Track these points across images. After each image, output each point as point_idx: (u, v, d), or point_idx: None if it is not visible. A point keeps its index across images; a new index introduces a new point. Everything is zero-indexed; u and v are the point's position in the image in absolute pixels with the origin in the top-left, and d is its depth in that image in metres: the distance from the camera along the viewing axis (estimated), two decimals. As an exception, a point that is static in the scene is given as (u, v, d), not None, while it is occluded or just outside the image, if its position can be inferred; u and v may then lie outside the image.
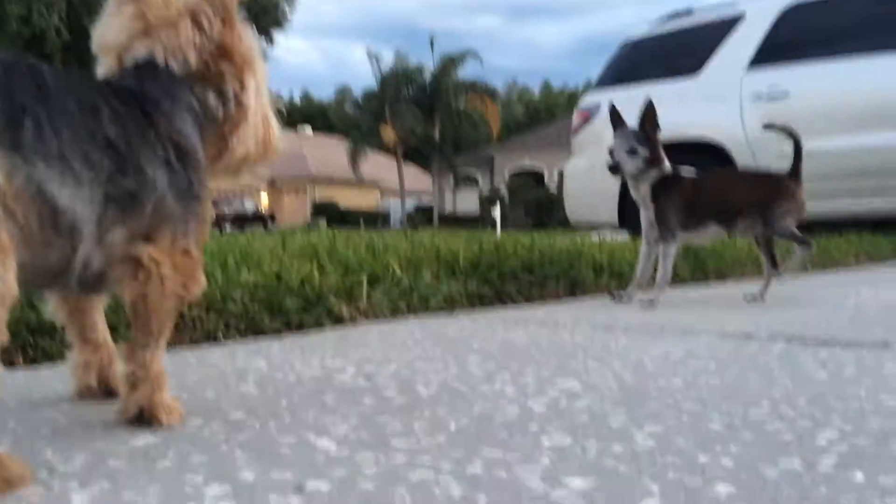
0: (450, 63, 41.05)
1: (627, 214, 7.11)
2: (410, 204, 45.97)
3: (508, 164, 46.22)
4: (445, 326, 2.61)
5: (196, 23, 1.37)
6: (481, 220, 31.91)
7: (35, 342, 1.93)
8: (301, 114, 70.68)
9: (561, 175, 9.47)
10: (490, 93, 42.48)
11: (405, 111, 40.10)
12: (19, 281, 1.06)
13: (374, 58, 41.40)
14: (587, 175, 7.55)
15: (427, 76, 41.92)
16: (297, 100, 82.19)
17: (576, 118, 7.98)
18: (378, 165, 50.21)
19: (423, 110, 41.07)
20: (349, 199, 47.69)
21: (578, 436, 1.27)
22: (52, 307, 1.49)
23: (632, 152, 3.29)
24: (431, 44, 43.18)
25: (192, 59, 1.37)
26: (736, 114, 6.68)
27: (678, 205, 3.31)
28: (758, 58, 6.78)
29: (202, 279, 1.37)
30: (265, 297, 2.47)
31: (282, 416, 1.42)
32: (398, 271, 3.05)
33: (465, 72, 42.11)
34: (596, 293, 3.74)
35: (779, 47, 6.74)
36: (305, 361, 1.95)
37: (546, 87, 78.50)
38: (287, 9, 34.08)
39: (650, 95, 3.42)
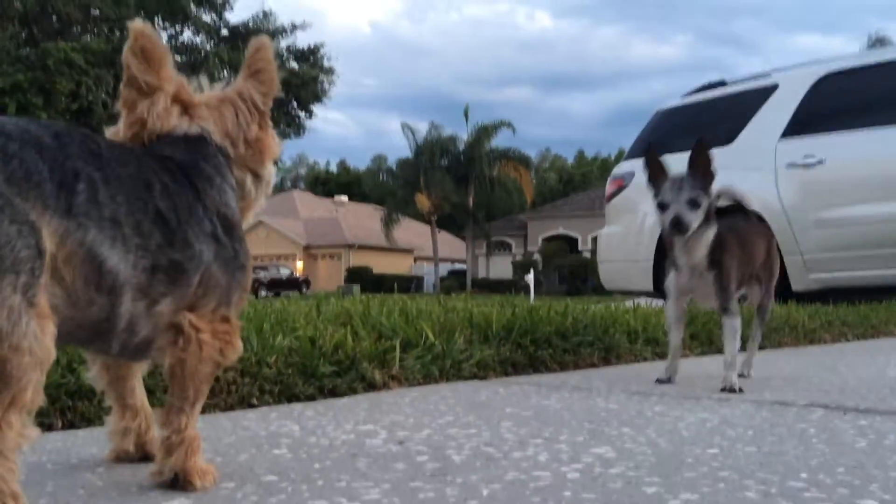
0: (483, 132, 41.62)
1: (662, 281, 7.08)
2: (444, 269, 46.08)
3: (542, 230, 46.35)
4: (478, 392, 2.60)
5: (237, 113, 1.49)
6: (514, 285, 31.85)
7: (73, 406, 1.96)
8: (338, 182, 71.87)
9: (595, 241, 9.47)
10: (523, 161, 42.90)
11: (439, 179, 40.56)
12: (63, 334, 1.11)
13: (408, 129, 42.13)
14: (621, 241, 7.56)
15: (461, 145, 42.50)
16: (334, 169, 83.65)
17: (609, 186, 8.03)
18: (412, 232, 50.64)
19: (457, 178, 41.52)
20: (383, 264, 47.99)
21: (612, 503, 1.26)
22: (94, 373, 1.52)
23: (694, 204, 2.62)
24: (466, 114, 43.83)
25: (243, 147, 1.49)
26: (771, 182, 6.67)
27: (737, 271, 2.80)
28: (792, 127, 6.79)
29: (239, 345, 1.40)
30: (299, 361, 2.49)
31: (314, 480, 1.42)
32: (431, 337, 3.05)
33: (499, 141, 42.67)
34: (630, 360, 3.71)
35: (813, 116, 6.76)
36: (338, 426, 1.96)
37: (579, 155, 79.05)
38: (327, 84, 34.95)
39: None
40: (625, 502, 1.26)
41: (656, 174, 2.76)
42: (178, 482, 1.34)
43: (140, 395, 1.55)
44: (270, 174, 1.58)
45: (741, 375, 2.96)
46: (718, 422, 2.03)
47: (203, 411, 2.13)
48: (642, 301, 6.90)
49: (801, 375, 3.14)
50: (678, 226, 2.61)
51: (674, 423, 2.01)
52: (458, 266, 50.25)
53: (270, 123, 1.57)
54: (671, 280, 2.87)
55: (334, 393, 2.48)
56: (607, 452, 1.65)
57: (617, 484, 1.39)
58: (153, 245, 1.22)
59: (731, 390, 2.60)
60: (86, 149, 1.16)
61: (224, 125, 1.48)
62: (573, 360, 3.45)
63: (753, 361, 3.13)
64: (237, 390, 2.28)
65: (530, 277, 20.37)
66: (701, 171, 2.66)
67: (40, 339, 1.04)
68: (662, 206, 2.69)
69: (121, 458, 1.56)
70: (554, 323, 3.55)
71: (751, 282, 3.03)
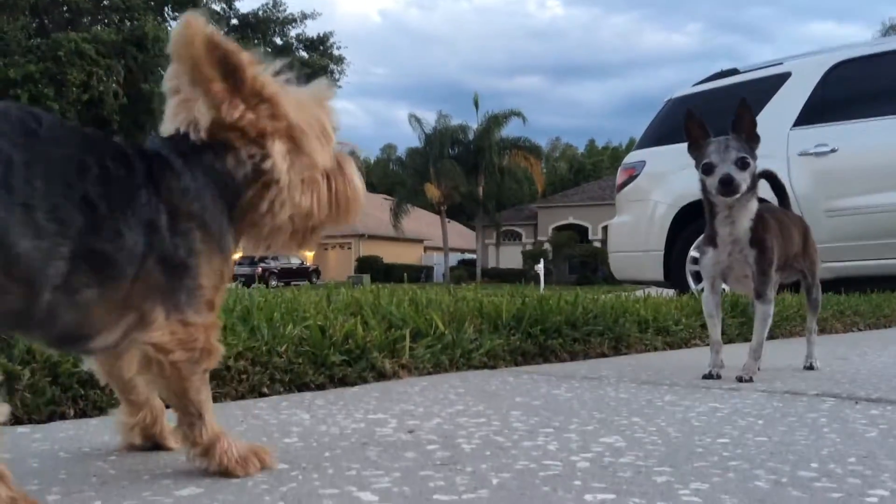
0: (493, 121, 41.52)
1: (672, 270, 7.07)
2: (454, 259, 46.10)
3: (552, 220, 46.27)
4: (488, 381, 2.61)
5: (206, 94, 1.35)
6: (524, 275, 31.81)
7: (85, 394, 1.97)
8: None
9: (606, 231, 9.45)
10: (534, 150, 42.79)
11: (449, 169, 40.51)
12: None
13: (416, 120, 42.06)
14: (632, 231, 7.54)
15: (471, 135, 42.42)
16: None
17: (620, 175, 8.00)
18: (422, 221, 50.66)
19: (466, 168, 41.47)
20: (393, 254, 48.03)
21: (622, 492, 1.26)
22: (93, 367, 1.51)
23: (743, 164, 2.47)
24: (476, 103, 43.73)
25: (205, 133, 1.36)
26: (783, 171, 6.63)
27: (778, 255, 2.65)
28: (804, 115, 6.75)
29: (216, 346, 1.34)
30: (310, 351, 2.50)
31: (325, 468, 1.42)
32: (441, 326, 3.06)
33: (509, 130, 42.57)
34: (641, 349, 3.70)
35: (825, 105, 6.72)
36: (348, 415, 1.96)
37: (590, 144, 78.83)
38: (337, 73, 34.93)
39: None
40: (634, 491, 1.26)
41: (697, 137, 2.60)
42: (225, 476, 1.35)
43: (143, 390, 1.52)
44: (266, 153, 1.40)
45: (809, 367, 2.94)
46: (729, 411, 2.03)
47: (214, 400, 2.15)
48: (653, 291, 6.90)
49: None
50: (728, 185, 2.45)
51: (684, 413, 2.01)
52: (467, 256, 50.26)
53: (276, 93, 1.40)
54: (708, 259, 2.71)
55: (344, 382, 2.49)
56: (617, 442, 1.65)
57: (627, 473, 1.39)
58: (73, 232, 1.14)
59: (741, 380, 2.57)
60: (21, 129, 1.12)
61: (189, 114, 1.37)
62: (583, 350, 3.45)
63: (816, 352, 3.02)
64: (248, 379, 2.28)
65: (540, 267, 20.34)
66: (746, 132, 2.54)
67: None
68: (709, 168, 2.52)
69: (131, 449, 1.57)
70: (564, 312, 3.55)
71: (788, 271, 2.92)
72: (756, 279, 2.61)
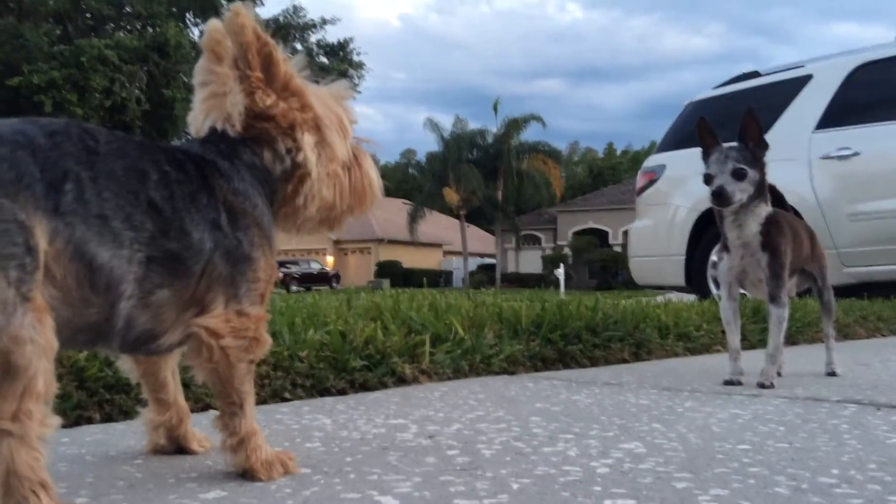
0: (513, 125, 41.49)
1: (693, 275, 7.03)
2: (473, 263, 46.08)
3: (572, 224, 46.15)
4: (507, 387, 2.61)
5: (244, 88, 1.40)
6: (544, 279, 31.75)
7: (111, 399, 2.00)
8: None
9: (626, 235, 9.42)
10: (553, 154, 42.73)
11: (467, 173, 40.50)
12: (62, 339, 1.11)
13: (434, 124, 42.05)
14: (652, 235, 7.51)
15: (489, 139, 42.41)
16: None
17: (640, 179, 7.98)
18: (441, 226, 50.68)
19: (485, 172, 41.46)
20: (412, 258, 48.10)
21: (642, 498, 1.27)
22: (127, 366, 1.55)
23: (739, 176, 2.54)
24: (495, 108, 43.73)
25: (238, 123, 1.41)
26: (805, 175, 6.59)
27: (790, 258, 2.66)
28: (826, 118, 6.70)
29: (266, 338, 1.39)
30: (331, 356, 2.52)
31: (346, 473, 1.44)
32: (461, 331, 3.07)
33: (528, 134, 42.54)
34: (662, 355, 3.69)
35: (848, 108, 6.67)
36: (369, 420, 1.98)
37: (609, 148, 78.54)
38: (357, 79, 35.07)
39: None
40: (654, 497, 1.27)
41: (708, 145, 2.66)
42: (247, 478, 1.38)
43: (172, 390, 1.57)
44: (300, 147, 1.45)
45: (831, 374, 2.92)
46: (750, 417, 2.03)
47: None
48: (674, 296, 6.87)
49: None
50: (720, 197, 2.52)
51: (705, 419, 2.00)
52: (487, 260, 50.23)
53: (301, 87, 1.46)
54: (723, 264, 2.74)
55: (365, 387, 2.51)
56: (637, 448, 1.66)
57: (647, 479, 1.39)
58: (146, 236, 1.20)
59: (763, 386, 2.56)
60: (81, 146, 1.17)
61: (226, 107, 1.41)
62: (603, 356, 3.44)
63: (835, 358, 3.00)
64: (270, 384, 2.31)
65: (560, 272, 20.32)
66: (750, 141, 2.58)
67: (39, 330, 1.05)
68: (707, 179, 2.59)
69: (157, 450, 1.59)
70: (584, 318, 3.55)
71: (802, 276, 2.94)
72: (769, 283, 2.63)
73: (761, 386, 2.57)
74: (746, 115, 2.59)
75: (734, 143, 2.59)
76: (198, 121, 1.46)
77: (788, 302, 2.68)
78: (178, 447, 1.59)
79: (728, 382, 2.70)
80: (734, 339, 2.78)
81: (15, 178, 1.06)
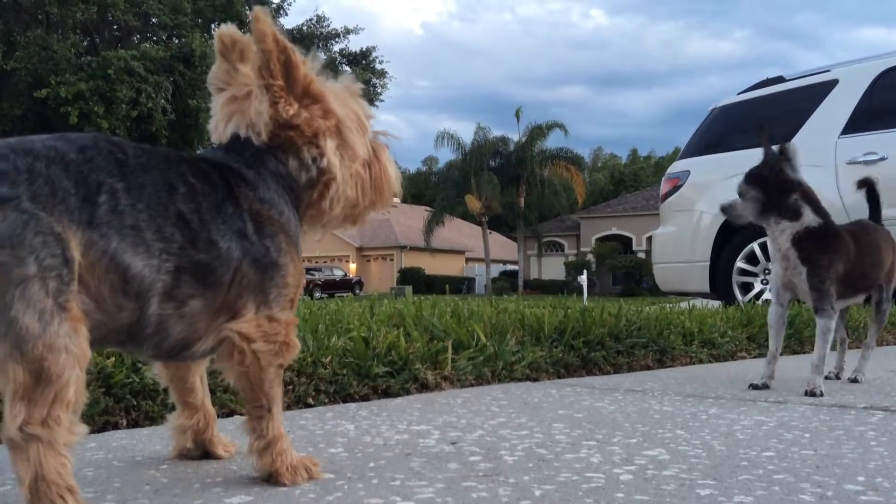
0: (537, 132, 41.43)
1: (718, 281, 6.98)
2: (495, 270, 46.02)
3: (595, 230, 45.97)
4: (530, 393, 2.61)
5: (270, 94, 1.41)
6: (567, 286, 31.63)
7: (137, 404, 2.02)
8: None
9: (650, 241, 9.36)
10: (575, 161, 42.58)
11: (489, 181, 40.46)
12: (96, 339, 1.16)
13: (450, 136, 42.00)
14: (677, 242, 7.46)
15: (511, 146, 42.37)
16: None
17: (664, 185, 7.93)
18: (464, 233, 50.69)
19: (508, 179, 41.40)
20: (435, 265, 48.11)
21: (665, 505, 1.26)
22: (157, 371, 1.58)
23: (742, 196, 2.77)
24: (517, 115, 43.70)
25: (265, 132, 1.42)
26: (831, 180, 6.53)
27: (837, 268, 2.71)
28: (852, 123, 6.63)
29: (295, 342, 1.41)
30: (354, 362, 2.53)
31: (369, 478, 1.45)
32: (483, 338, 3.07)
33: (551, 141, 42.43)
34: (686, 361, 3.67)
35: (874, 112, 6.60)
36: (392, 426, 1.98)
37: (634, 154, 78.17)
38: (379, 87, 35.20)
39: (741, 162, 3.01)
40: (678, 504, 1.26)
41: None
42: (272, 481, 1.39)
43: (200, 394, 1.59)
44: (323, 153, 1.46)
45: (854, 381, 2.94)
46: (775, 424, 2.01)
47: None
48: (698, 302, 6.82)
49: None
50: (723, 211, 2.79)
51: (729, 426, 1.99)
52: (509, 267, 50.12)
53: (320, 90, 1.46)
54: (773, 271, 2.86)
55: (388, 393, 2.52)
56: (661, 454, 1.65)
57: (670, 486, 1.38)
58: (175, 247, 1.23)
59: (813, 394, 2.55)
60: (112, 160, 1.20)
61: (249, 114, 1.43)
62: (627, 362, 3.43)
63: (867, 367, 3.01)
64: (294, 390, 2.32)
65: (583, 278, 20.22)
66: (766, 170, 2.73)
67: (74, 339, 1.09)
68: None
69: (183, 455, 1.61)
70: (607, 324, 3.54)
71: (868, 289, 2.94)
72: (811, 295, 2.70)
73: (809, 394, 2.56)
74: (781, 148, 2.74)
75: (753, 168, 2.79)
76: (219, 127, 1.47)
77: (834, 312, 2.69)
78: (203, 451, 1.61)
79: (754, 386, 2.73)
80: (773, 342, 2.83)
81: (50, 192, 1.10)
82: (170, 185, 1.26)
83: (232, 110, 1.45)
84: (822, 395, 2.54)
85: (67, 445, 1.09)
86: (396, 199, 1.74)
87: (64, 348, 1.07)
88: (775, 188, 2.71)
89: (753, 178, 2.74)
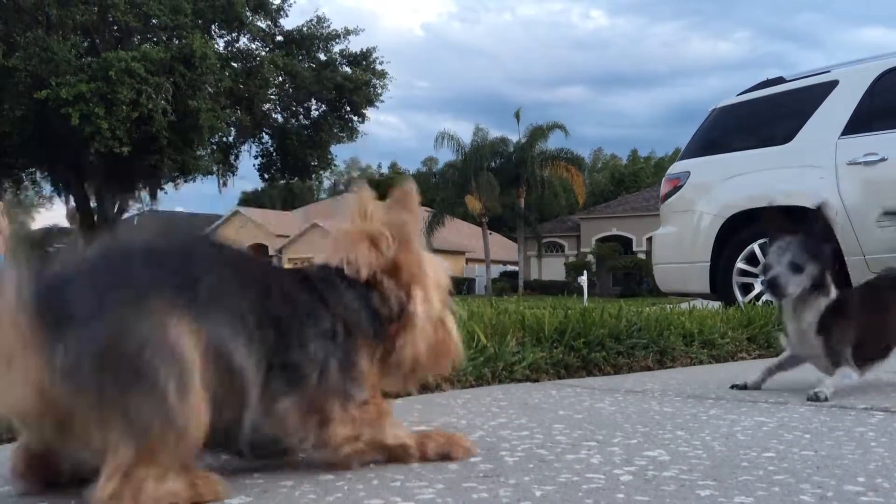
0: (538, 133, 41.46)
1: (718, 282, 6.98)
2: (495, 271, 46.02)
3: (595, 231, 45.99)
4: (530, 394, 2.61)
5: (374, 244, 1.57)
6: (567, 287, 31.63)
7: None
8: (389, 185, 72.17)
9: (650, 242, 9.36)
10: (575, 162, 42.61)
11: (489, 181, 40.48)
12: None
13: (450, 137, 42.03)
14: (677, 242, 7.47)
15: (511, 147, 42.40)
16: (386, 171, 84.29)
17: (665, 186, 7.94)
18: (464, 234, 50.67)
19: (508, 180, 41.42)
20: (436, 267, 48.01)
21: (665, 505, 1.26)
22: None
23: (796, 269, 2.55)
24: (517, 116, 43.74)
25: (364, 273, 1.56)
26: (831, 181, 6.53)
27: (851, 339, 2.60)
28: (852, 124, 6.64)
29: (386, 406, 1.54)
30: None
31: (370, 479, 1.45)
32: (483, 339, 3.07)
33: (551, 141, 42.46)
34: (686, 362, 3.67)
35: (874, 113, 6.60)
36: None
37: (634, 155, 78.17)
38: (380, 88, 35.18)
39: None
40: (678, 505, 1.26)
41: (773, 234, 2.70)
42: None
43: None
44: (412, 298, 1.60)
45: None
46: (775, 425, 2.01)
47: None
48: (698, 303, 6.83)
49: (861, 379, 3.07)
50: (773, 289, 2.57)
51: (729, 427, 1.99)
52: (509, 268, 50.14)
53: (415, 249, 1.63)
54: (782, 343, 2.84)
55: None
56: (661, 455, 1.65)
57: (670, 486, 1.39)
58: (269, 345, 1.33)
59: (816, 399, 2.44)
60: (218, 261, 1.36)
61: (355, 257, 1.57)
62: (627, 363, 3.43)
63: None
64: (294, 391, 2.32)
65: (583, 279, 20.24)
66: (816, 235, 2.61)
67: (199, 419, 1.20)
68: (765, 269, 2.63)
69: None
70: (607, 325, 3.54)
71: (887, 352, 2.77)
72: (827, 357, 2.61)
73: (810, 399, 2.46)
74: (817, 212, 2.63)
75: (798, 236, 2.61)
76: (329, 254, 1.61)
77: (853, 369, 2.57)
78: None
79: (735, 386, 2.77)
80: (776, 360, 2.83)
81: (163, 284, 1.22)
82: (267, 289, 1.39)
83: (340, 247, 1.59)
84: (826, 398, 2.44)
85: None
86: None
87: (189, 426, 1.19)
88: (824, 262, 2.59)
89: (813, 252, 2.57)
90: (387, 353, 1.59)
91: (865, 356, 2.63)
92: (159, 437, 1.16)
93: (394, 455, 1.54)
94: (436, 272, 1.67)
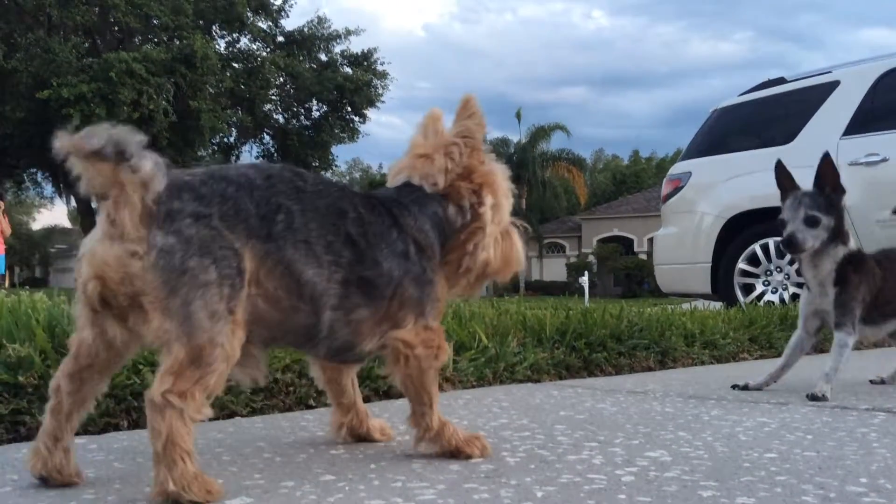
0: (541, 133, 41.45)
1: (720, 283, 6.97)
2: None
3: (596, 231, 45.96)
4: (532, 395, 2.61)
5: (448, 154, 1.67)
6: (568, 287, 31.62)
7: (138, 406, 2.02)
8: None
9: (651, 243, 9.35)
10: (577, 162, 42.63)
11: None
12: (273, 337, 1.45)
13: None
14: (678, 243, 7.46)
15: (511, 147, 42.40)
16: (386, 171, 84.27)
17: (666, 186, 7.93)
18: (465, 235, 50.59)
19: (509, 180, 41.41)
20: (437, 268, 48.05)
21: (667, 506, 1.26)
22: (314, 375, 1.81)
23: (812, 222, 2.58)
24: (518, 116, 43.75)
25: (441, 182, 1.66)
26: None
27: (864, 293, 2.66)
28: (854, 124, 6.63)
29: (445, 346, 1.62)
30: (355, 364, 2.52)
31: (371, 480, 1.44)
32: (484, 340, 3.07)
33: (552, 142, 42.44)
34: (687, 363, 3.67)
35: (875, 113, 6.59)
36: (393, 427, 1.98)
37: (635, 155, 78.12)
38: (381, 89, 35.17)
39: (769, 160, 2.91)
40: (680, 506, 1.26)
41: (785, 189, 2.70)
42: (457, 456, 1.61)
43: (352, 395, 1.81)
44: (482, 203, 1.69)
45: (881, 382, 2.95)
46: (777, 426, 2.01)
47: (263, 412, 2.19)
48: (700, 304, 6.82)
49: (863, 379, 3.07)
50: (790, 245, 2.59)
51: (731, 428, 1.99)
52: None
53: (483, 154, 1.72)
54: (803, 299, 2.81)
55: (389, 395, 2.51)
56: (662, 456, 1.65)
57: (672, 487, 1.38)
58: (344, 262, 1.46)
59: (816, 398, 2.48)
60: (291, 186, 1.44)
61: (432, 169, 1.67)
62: (628, 364, 3.43)
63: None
64: (295, 391, 2.32)
65: (585, 279, 20.21)
66: (826, 187, 2.61)
67: (230, 339, 1.31)
68: (781, 224, 2.64)
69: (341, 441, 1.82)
70: (608, 326, 3.53)
71: None
72: (834, 312, 2.64)
73: (811, 398, 2.49)
74: (823, 161, 2.62)
75: (809, 189, 2.63)
76: (398, 175, 1.72)
77: (854, 330, 2.63)
78: (359, 439, 1.81)
79: (735, 386, 2.79)
80: (784, 358, 2.82)
81: (235, 213, 1.34)
82: (341, 211, 1.49)
83: (416, 164, 1.70)
84: (825, 398, 2.47)
85: (193, 420, 1.28)
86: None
87: (220, 344, 1.29)
88: (839, 213, 2.62)
89: (825, 204, 2.60)
90: (459, 258, 1.68)
91: (883, 312, 2.71)
92: (208, 339, 1.28)
93: (425, 398, 1.61)
94: (504, 180, 1.76)
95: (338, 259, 1.45)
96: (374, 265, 1.50)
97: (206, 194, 1.33)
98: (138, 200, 1.27)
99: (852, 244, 2.65)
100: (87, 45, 30.58)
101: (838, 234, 2.61)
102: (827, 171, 2.61)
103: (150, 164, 1.27)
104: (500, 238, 1.74)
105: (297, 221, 1.41)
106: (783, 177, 2.70)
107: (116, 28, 31.79)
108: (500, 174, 1.75)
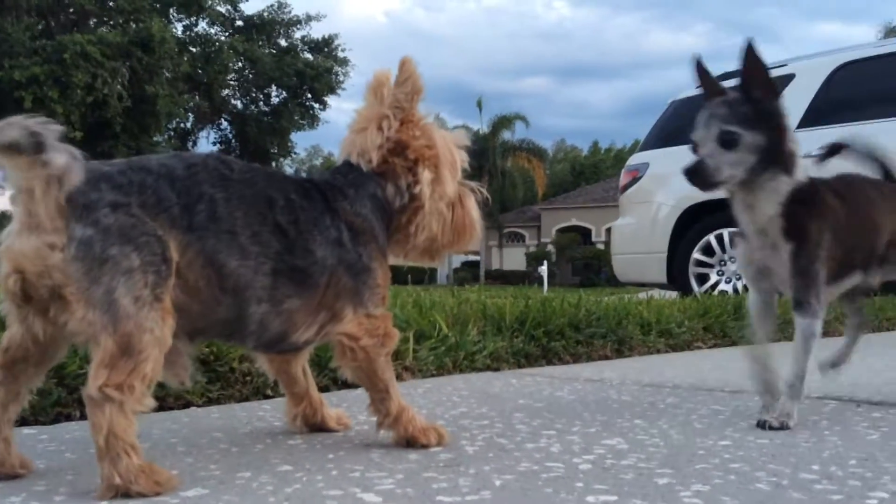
0: (502, 124, 41.54)
1: (676, 272, 7.06)
2: (457, 260, 46.08)
3: (555, 221, 46.25)
4: (491, 384, 2.62)
5: (380, 127, 1.62)
6: (528, 276, 31.81)
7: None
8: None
9: (609, 233, 9.42)
10: (537, 153, 42.81)
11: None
12: (198, 328, 1.40)
13: None
14: (635, 233, 7.54)
15: (473, 137, 42.49)
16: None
17: (624, 177, 8.00)
18: (426, 223, 50.57)
19: (469, 170, 41.46)
20: (397, 256, 47.96)
21: (623, 494, 1.27)
22: (264, 366, 1.77)
23: (729, 143, 1.78)
24: (479, 106, 43.81)
25: (375, 158, 1.61)
26: (786, 172, 6.63)
27: (829, 246, 1.85)
28: (808, 117, 6.74)
29: (394, 332, 1.60)
30: (313, 353, 2.51)
31: (328, 470, 1.44)
32: (444, 328, 3.07)
33: (513, 132, 42.55)
34: (644, 351, 3.71)
35: (830, 107, 6.70)
36: (352, 417, 1.97)
37: (594, 146, 78.67)
38: (342, 75, 34.92)
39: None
40: (636, 493, 1.27)
41: (710, 94, 1.90)
42: (410, 445, 1.60)
43: (304, 384, 1.78)
44: (418, 181, 1.64)
45: (833, 365, 2.27)
46: (730, 414, 2.04)
47: (219, 402, 2.17)
48: (656, 293, 6.90)
49: (814, 368, 3.12)
50: (694, 175, 1.79)
51: (686, 415, 2.02)
52: (471, 257, 50.24)
53: (419, 127, 1.64)
54: (739, 254, 2.00)
55: (347, 384, 2.50)
56: (619, 444, 1.66)
57: (629, 475, 1.40)
58: (272, 252, 1.42)
59: (780, 427, 1.80)
60: (216, 175, 1.40)
61: (365, 143, 1.62)
62: (586, 352, 3.45)
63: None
64: (252, 381, 2.30)
65: (544, 269, 20.37)
66: (754, 90, 1.82)
67: (160, 325, 1.27)
68: (693, 148, 1.84)
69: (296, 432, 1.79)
70: (567, 315, 3.56)
71: (872, 268, 2.04)
72: (793, 281, 1.84)
73: (765, 425, 1.82)
74: (747, 51, 1.82)
75: (729, 95, 1.86)
76: (340, 156, 1.67)
77: (821, 309, 1.84)
78: (315, 429, 1.79)
79: (761, 424, 1.84)
80: (756, 348, 2.00)
81: (156, 202, 1.31)
82: (270, 199, 1.45)
83: (356, 140, 1.64)
84: (786, 427, 1.80)
85: (134, 412, 1.25)
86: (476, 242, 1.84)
87: (150, 330, 1.26)
88: (775, 124, 1.85)
89: (752, 114, 1.81)
90: (405, 238, 1.68)
91: (844, 263, 1.93)
92: (136, 325, 1.24)
93: (380, 385, 1.59)
94: (447, 148, 1.69)
95: (265, 249, 1.41)
96: (304, 254, 1.46)
97: (124, 184, 1.30)
98: (54, 193, 1.24)
99: (800, 173, 1.86)
100: (40, 26, 29.89)
101: (777, 158, 1.82)
102: (752, 67, 1.83)
103: (65, 157, 1.24)
104: (449, 210, 1.69)
105: (221, 211, 1.37)
106: (705, 80, 1.94)
107: (71, 10, 31.11)
108: (441, 144, 1.67)
